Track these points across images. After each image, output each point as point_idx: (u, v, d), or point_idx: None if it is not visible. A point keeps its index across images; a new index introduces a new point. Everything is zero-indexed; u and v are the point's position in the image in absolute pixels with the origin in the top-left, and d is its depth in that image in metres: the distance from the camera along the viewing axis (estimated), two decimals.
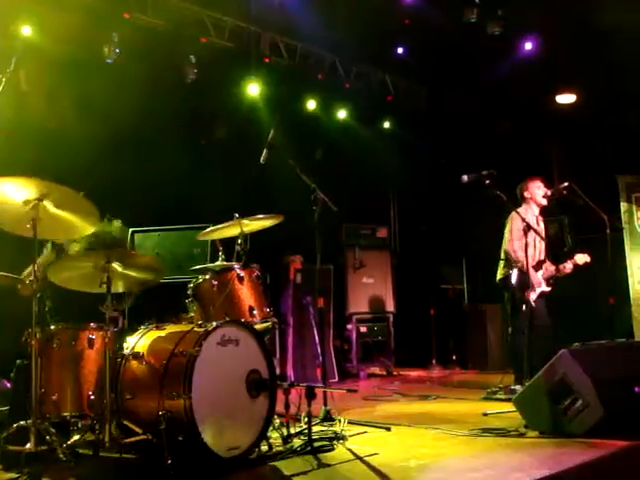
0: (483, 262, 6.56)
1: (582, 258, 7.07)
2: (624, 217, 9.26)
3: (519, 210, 6.82)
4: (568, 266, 7.03)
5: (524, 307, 6.76)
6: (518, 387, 6.48)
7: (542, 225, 7.22)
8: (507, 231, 7.04)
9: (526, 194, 7.15)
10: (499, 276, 7.09)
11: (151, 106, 7.77)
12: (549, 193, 7.10)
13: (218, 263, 5.16)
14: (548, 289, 7.04)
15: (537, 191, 7.12)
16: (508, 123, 10.11)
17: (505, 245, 7.02)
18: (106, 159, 7.58)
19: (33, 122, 7.43)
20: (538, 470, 3.90)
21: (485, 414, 5.84)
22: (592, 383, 4.69)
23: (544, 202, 7.12)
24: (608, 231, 7.01)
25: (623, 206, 9.32)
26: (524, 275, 6.70)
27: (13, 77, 7.02)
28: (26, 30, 7.21)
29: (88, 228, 4.29)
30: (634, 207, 9.35)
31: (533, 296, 6.87)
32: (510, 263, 6.94)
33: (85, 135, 7.76)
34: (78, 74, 7.46)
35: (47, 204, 4.02)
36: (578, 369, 4.79)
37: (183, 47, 8.35)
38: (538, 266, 7.03)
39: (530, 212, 7.08)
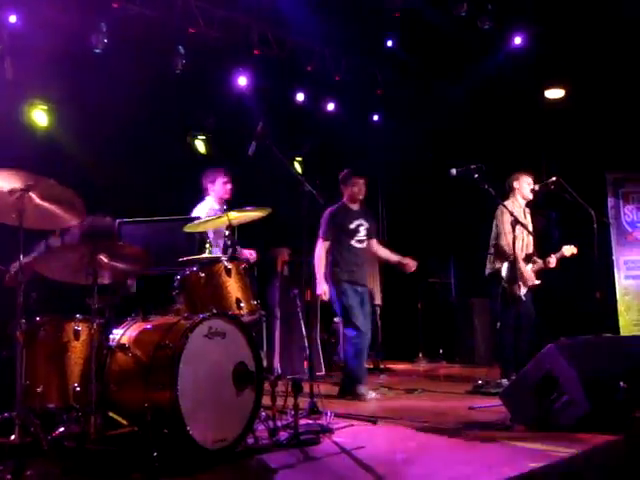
0: (471, 256, 6.56)
1: (569, 249, 7.10)
2: (611, 212, 9.31)
3: (506, 203, 6.84)
4: (552, 260, 7.06)
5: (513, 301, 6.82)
6: (504, 381, 6.51)
7: (529, 218, 7.25)
8: (495, 225, 7.07)
9: (515, 185, 7.19)
10: (488, 270, 7.10)
11: (139, 96, 7.73)
12: (537, 188, 7.13)
13: (205, 255, 5.13)
14: (538, 282, 7.08)
15: (526, 185, 7.16)
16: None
17: (495, 239, 7.04)
18: (94, 149, 7.54)
19: (19, 111, 7.39)
20: (524, 464, 3.91)
21: (471, 408, 5.85)
22: (578, 377, 4.71)
23: (531, 196, 7.18)
24: (595, 226, 7.03)
25: (610, 201, 9.37)
26: (514, 269, 6.72)
27: None
28: (12, 19, 7.15)
29: (73, 219, 4.25)
30: (621, 202, 9.41)
31: (523, 290, 6.90)
32: (499, 257, 6.96)
33: (72, 125, 7.73)
34: (65, 64, 7.41)
35: (33, 195, 3.99)
36: (564, 363, 4.81)
37: (172, 37, 8.30)
38: (527, 259, 7.06)
39: (517, 205, 7.11)
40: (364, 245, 6.92)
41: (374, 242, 7.11)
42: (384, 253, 7.17)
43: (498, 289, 6.88)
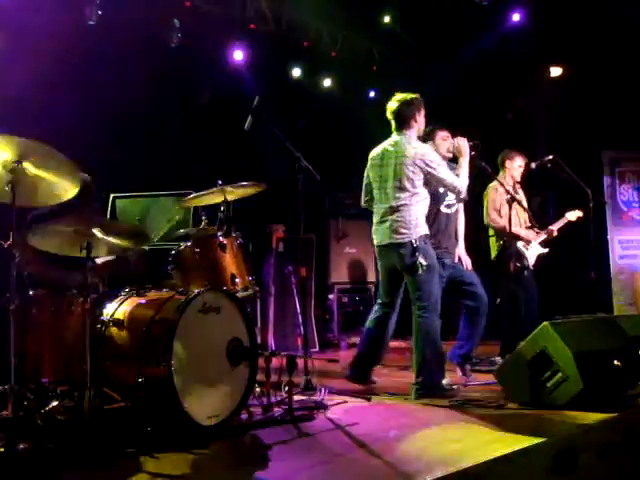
0: (466, 234, 6.54)
1: (574, 214, 7.14)
2: (607, 191, 9.31)
3: (501, 180, 6.81)
4: (554, 228, 7.18)
5: (525, 273, 6.87)
6: (498, 359, 6.52)
7: (521, 193, 7.24)
8: (485, 202, 7.06)
9: (508, 164, 7.15)
10: (495, 252, 7.08)
11: (133, 70, 7.65)
12: (533, 166, 7.11)
13: (201, 228, 5.11)
14: (545, 250, 7.16)
15: (516, 166, 7.13)
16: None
17: (486, 218, 7.04)
18: (88, 124, 7.47)
19: (11, 83, 7.29)
20: (517, 441, 3.92)
21: (465, 385, 5.87)
22: (572, 356, 4.71)
23: (519, 178, 7.17)
24: (591, 205, 7.04)
25: (606, 180, 9.36)
26: (516, 243, 6.79)
27: None
28: None
29: (70, 191, 4.18)
30: (617, 181, 9.40)
31: (531, 261, 7.02)
32: (501, 235, 6.96)
33: (66, 99, 7.65)
34: (59, 36, 7.32)
35: (27, 166, 3.91)
36: (559, 342, 4.81)
37: (167, 11, 8.21)
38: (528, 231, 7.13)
39: (508, 181, 7.10)
40: (453, 211, 6.26)
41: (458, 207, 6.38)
42: (460, 228, 6.46)
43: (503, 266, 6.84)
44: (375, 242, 5.72)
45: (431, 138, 6.11)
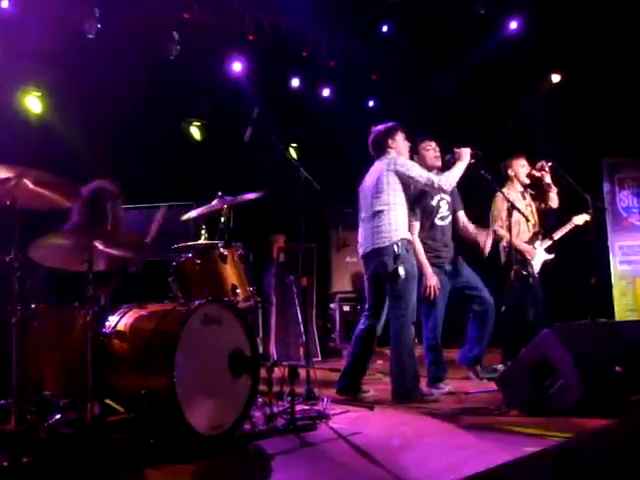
0: (468, 242, 6.54)
1: (581, 218, 7.17)
2: (607, 198, 9.33)
3: (503, 190, 6.83)
4: (557, 233, 7.22)
5: (530, 280, 6.91)
6: (500, 366, 6.52)
7: (529, 199, 7.25)
8: (491, 211, 7.08)
9: (510, 172, 7.19)
10: (504, 257, 7.11)
11: (133, 83, 7.68)
12: (533, 172, 7.13)
13: (201, 241, 5.12)
14: (551, 256, 7.19)
15: (521, 169, 7.16)
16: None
17: (492, 225, 7.06)
18: (88, 136, 7.51)
19: (12, 98, 7.33)
20: (520, 448, 3.92)
21: (467, 393, 5.86)
22: (573, 362, 4.71)
23: (527, 181, 7.18)
24: (591, 211, 7.05)
25: (606, 187, 9.38)
26: (511, 251, 6.80)
27: None
28: (4, 4, 7.09)
29: (68, 202, 4.22)
30: (617, 188, 9.42)
31: (536, 267, 7.05)
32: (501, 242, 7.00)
33: (66, 112, 7.69)
34: (59, 50, 7.36)
35: (26, 181, 3.96)
36: (560, 348, 4.81)
37: (166, 23, 8.24)
38: (534, 238, 7.11)
39: (513, 190, 7.10)
40: (447, 222, 6.27)
41: (460, 215, 6.45)
42: (471, 228, 6.43)
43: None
44: (361, 254, 5.92)
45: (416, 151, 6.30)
